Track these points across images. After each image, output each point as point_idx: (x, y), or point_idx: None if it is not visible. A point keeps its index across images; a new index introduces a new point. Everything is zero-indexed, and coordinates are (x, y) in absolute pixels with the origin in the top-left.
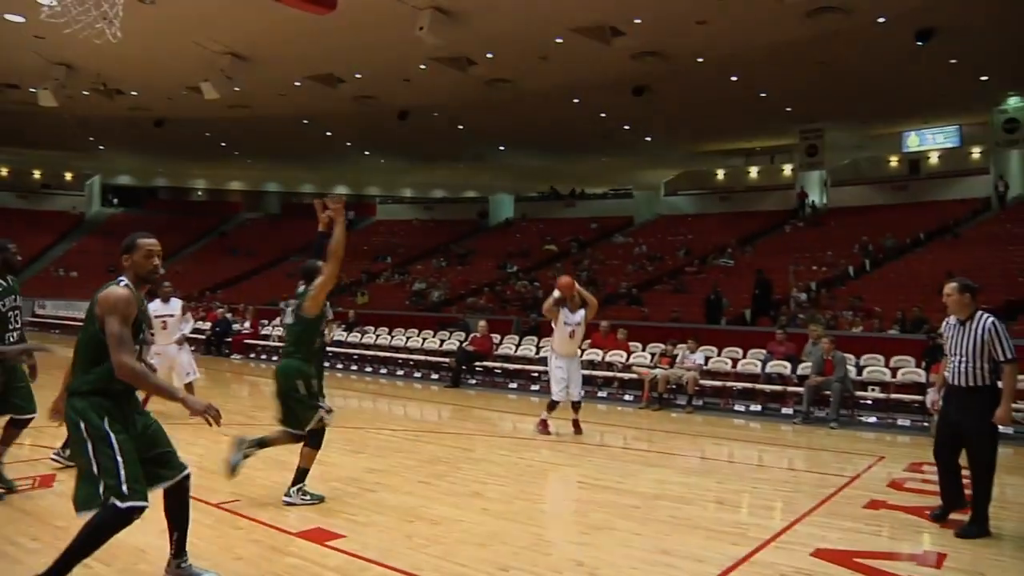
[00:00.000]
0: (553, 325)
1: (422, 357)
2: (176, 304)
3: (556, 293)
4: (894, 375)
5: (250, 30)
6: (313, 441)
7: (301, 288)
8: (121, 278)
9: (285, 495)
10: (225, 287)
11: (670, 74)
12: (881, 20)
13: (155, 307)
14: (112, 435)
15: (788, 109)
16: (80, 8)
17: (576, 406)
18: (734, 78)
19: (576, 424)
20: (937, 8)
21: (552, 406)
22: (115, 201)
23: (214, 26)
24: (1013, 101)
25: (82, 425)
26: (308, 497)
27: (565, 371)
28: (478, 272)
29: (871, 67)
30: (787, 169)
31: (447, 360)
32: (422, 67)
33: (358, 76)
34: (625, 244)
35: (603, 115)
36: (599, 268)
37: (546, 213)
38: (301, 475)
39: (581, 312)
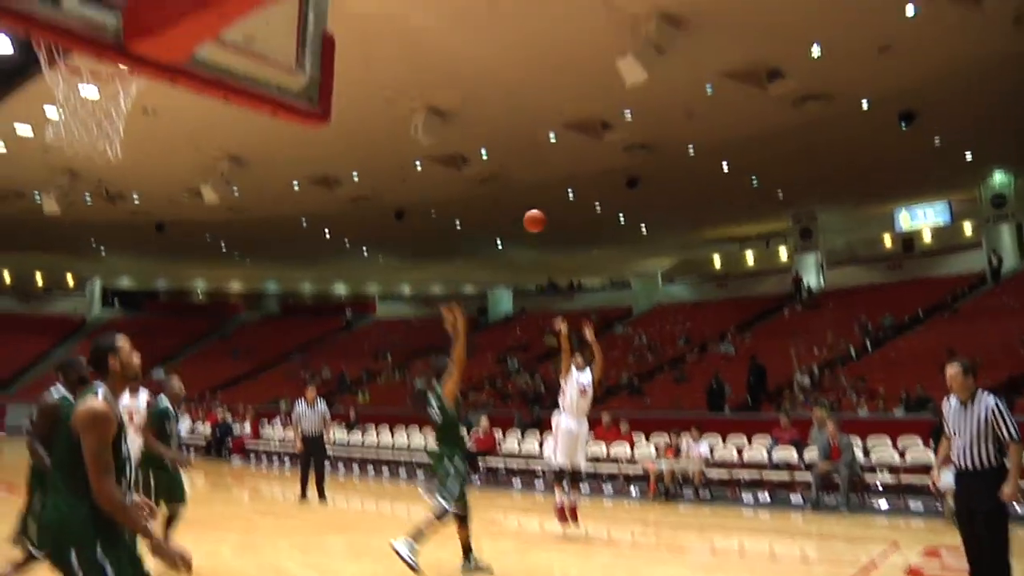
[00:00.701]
0: (562, 381)
1: (424, 456)
2: (142, 396)
3: (561, 328)
4: (903, 457)
5: (248, 135)
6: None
7: (437, 384)
8: (97, 386)
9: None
10: (225, 389)
11: (662, 164)
12: (864, 105)
13: (123, 400)
14: (107, 566)
15: (780, 194)
16: (82, 128)
17: (577, 480)
18: (725, 166)
19: (574, 513)
20: (916, 91)
21: (560, 477)
22: (116, 303)
23: (213, 132)
24: (999, 177)
25: (71, 556)
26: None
27: (574, 435)
28: (479, 368)
29: (858, 150)
30: (783, 253)
31: None
32: (418, 166)
33: (355, 177)
34: (625, 334)
35: (598, 207)
36: None
37: (545, 306)
38: (467, 550)
39: (589, 371)
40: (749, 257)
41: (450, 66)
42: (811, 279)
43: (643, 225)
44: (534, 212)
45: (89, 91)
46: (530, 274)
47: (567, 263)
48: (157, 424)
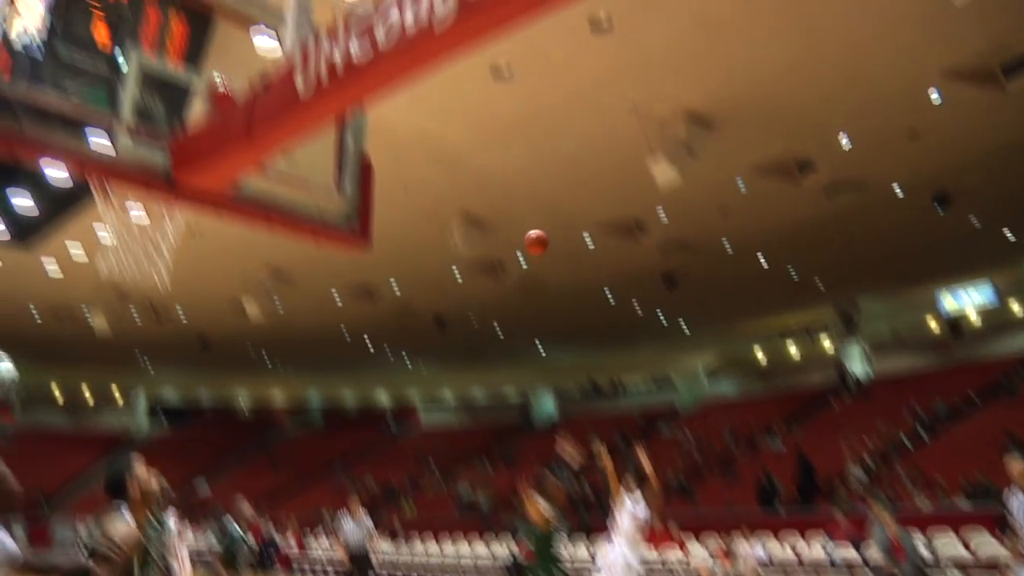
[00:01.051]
0: (614, 510)
1: (472, 567)
2: (170, 516)
3: (601, 452)
4: (971, 551)
5: (289, 249)
6: None
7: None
8: (122, 507)
9: None
10: (269, 502)
11: (699, 261)
12: (897, 191)
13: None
14: None
15: (819, 283)
16: (132, 257)
17: None
18: (762, 259)
19: None
20: (949, 174)
21: None
22: (161, 418)
23: (255, 247)
24: None
25: None
26: None
27: (632, 568)
28: (523, 475)
29: (895, 235)
30: (826, 343)
31: (499, 568)
32: (456, 274)
33: (395, 286)
34: (671, 434)
35: (636, 305)
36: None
37: (589, 408)
38: None
39: (643, 500)
40: (792, 349)
41: (484, 177)
42: (857, 368)
43: (683, 322)
44: (534, 232)
45: (138, 220)
46: (572, 376)
47: (609, 363)
48: (226, 549)
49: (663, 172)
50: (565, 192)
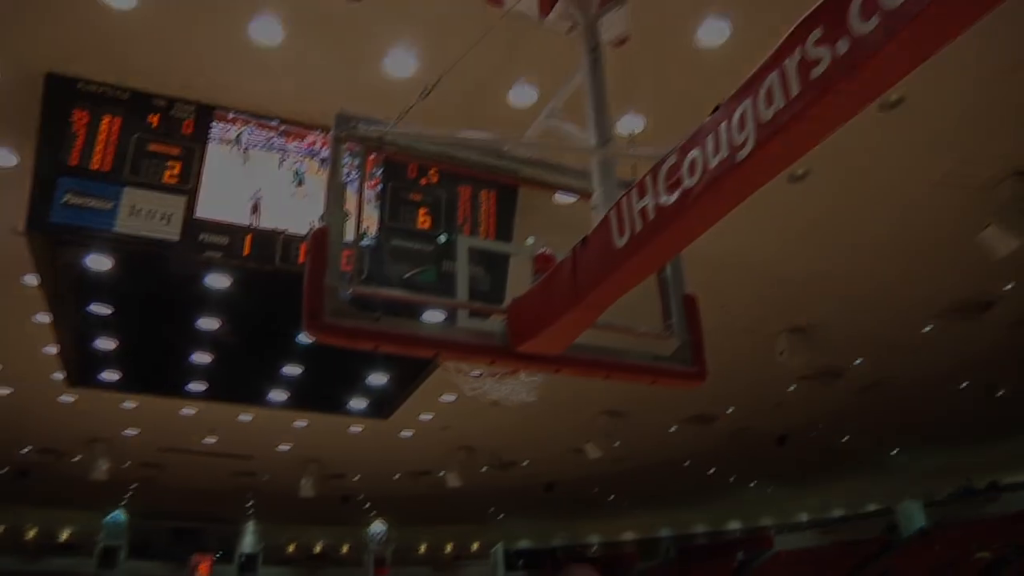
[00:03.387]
0: None
1: None
2: None
3: None
4: None
5: (621, 389)
6: None
7: None
8: None
9: None
10: None
11: None
12: None
13: None
14: None
15: None
16: (480, 423)
17: None
18: None
19: None
20: None
21: None
22: (520, 564)
23: (589, 393)
24: None
25: None
26: None
27: None
28: None
29: None
30: None
31: None
32: (791, 389)
33: (730, 411)
34: None
35: (1001, 391)
36: None
37: (966, 514)
38: None
39: None
40: None
41: (799, 284)
42: None
43: None
44: None
45: (482, 385)
46: (941, 480)
47: (983, 460)
48: None
49: (997, 239)
50: (888, 284)
